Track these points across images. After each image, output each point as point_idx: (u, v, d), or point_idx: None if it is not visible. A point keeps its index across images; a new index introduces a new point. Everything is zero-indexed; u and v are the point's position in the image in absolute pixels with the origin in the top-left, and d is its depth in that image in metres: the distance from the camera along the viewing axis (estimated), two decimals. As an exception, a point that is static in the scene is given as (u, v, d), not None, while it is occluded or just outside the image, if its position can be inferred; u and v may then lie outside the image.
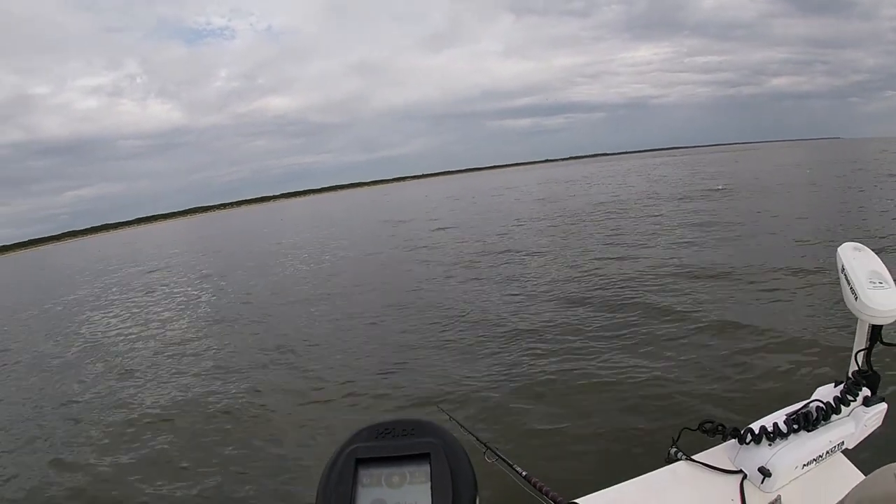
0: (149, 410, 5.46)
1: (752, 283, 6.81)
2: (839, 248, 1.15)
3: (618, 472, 1.19)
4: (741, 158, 52.67)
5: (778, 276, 6.89)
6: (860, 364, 1.15)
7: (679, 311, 5.90)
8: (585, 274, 8.40)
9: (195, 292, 13.23)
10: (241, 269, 16.18)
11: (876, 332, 1.12)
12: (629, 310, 6.19)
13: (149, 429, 4.97)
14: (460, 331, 6.37)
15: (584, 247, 10.80)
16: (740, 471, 1.11)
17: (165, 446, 4.57)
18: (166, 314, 10.94)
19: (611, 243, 10.79)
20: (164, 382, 6.30)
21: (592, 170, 60.58)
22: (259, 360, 6.61)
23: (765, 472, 1.07)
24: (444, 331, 6.47)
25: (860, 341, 1.15)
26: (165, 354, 7.63)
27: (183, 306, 11.56)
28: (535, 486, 0.93)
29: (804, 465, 1.09)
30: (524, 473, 1.01)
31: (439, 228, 18.52)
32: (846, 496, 0.91)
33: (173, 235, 55.15)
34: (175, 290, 14.10)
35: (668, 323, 5.59)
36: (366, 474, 0.39)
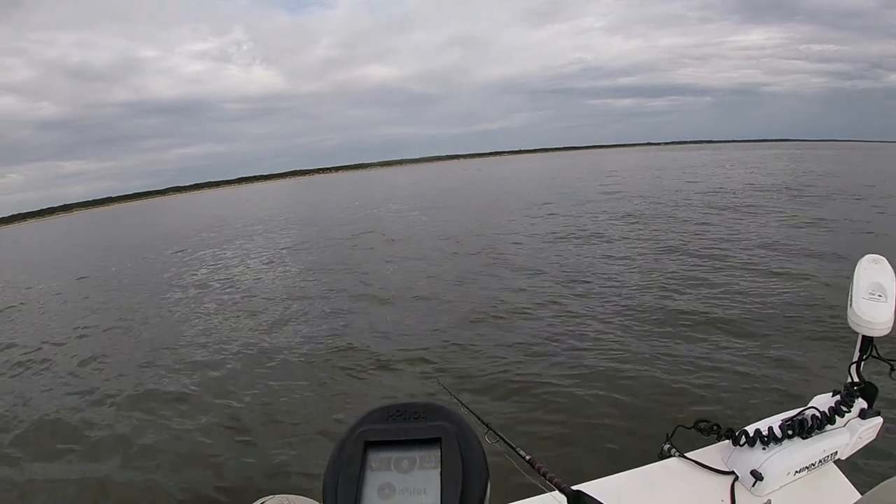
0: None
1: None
2: (860, 259, 1.13)
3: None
4: (867, 158, 43.61)
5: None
6: (854, 376, 1.12)
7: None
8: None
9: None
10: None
11: (867, 343, 1.09)
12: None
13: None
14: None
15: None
16: (732, 472, 1.12)
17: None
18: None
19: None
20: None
21: (705, 157, 52.73)
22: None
23: (757, 476, 1.07)
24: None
25: (856, 353, 1.11)
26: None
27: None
28: (538, 470, 0.93)
29: (796, 471, 1.09)
30: (528, 457, 1.02)
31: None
32: (862, 499, 0.91)
33: (288, 197, 55.78)
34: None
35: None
36: (375, 457, 0.38)
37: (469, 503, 0.35)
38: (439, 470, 0.37)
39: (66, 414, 4.95)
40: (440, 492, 0.36)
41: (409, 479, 0.37)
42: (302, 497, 0.82)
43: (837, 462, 1.15)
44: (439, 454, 0.38)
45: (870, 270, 1.10)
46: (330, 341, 6.02)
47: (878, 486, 0.84)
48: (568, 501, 0.67)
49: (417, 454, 0.38)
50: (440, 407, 0.41)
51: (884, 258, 1.12)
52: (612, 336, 5.27)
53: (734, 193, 17.18)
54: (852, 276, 1.10)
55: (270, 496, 0.79)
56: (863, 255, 1.14)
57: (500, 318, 6.23)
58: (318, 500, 0.78)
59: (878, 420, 1.13)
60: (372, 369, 5.13)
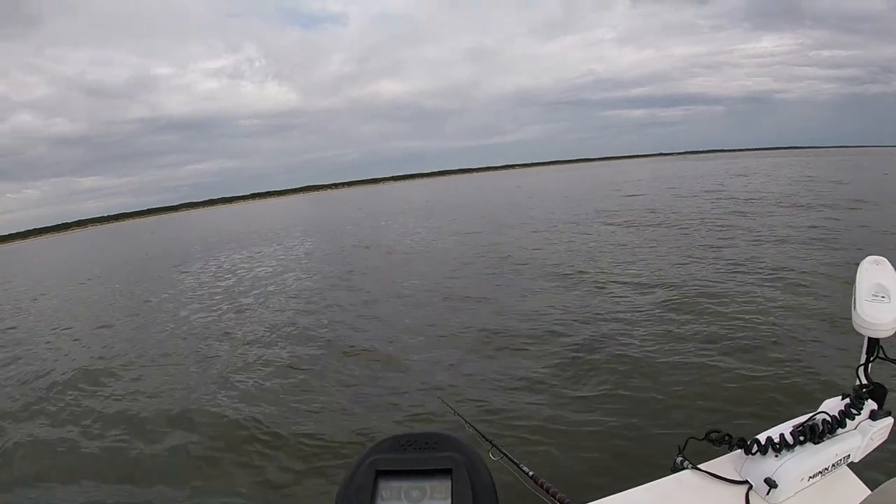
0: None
1: None
2: (861, 261, 1.13)
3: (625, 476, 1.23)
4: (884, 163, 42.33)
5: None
6: (862, 378, 1.12)
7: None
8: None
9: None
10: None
11: (873, 345, 1.10)
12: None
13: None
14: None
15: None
16: (746, 481, 1.11)
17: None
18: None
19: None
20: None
21: (722, 166, 51.56)
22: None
23: (771, 484, 1.07)
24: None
25: (862, 355, 1.12)
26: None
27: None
28: (541, 486, 0.93)
29: (810, 477, 1.08)
30: (531, 473, 1.00)
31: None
32: (864, 501, 0.92)
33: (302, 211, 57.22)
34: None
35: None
36: (385, 487, 0.38)
37: None
38: (450, 501, 0.37)
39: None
40: None
41: None
42: None
43: (851, 465, 1.14)
44: (450, 485, 0.38)
45: (871, 272, 1.10)
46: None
47: (877, 489, 0.85)
48: None
49: (428, 484, 0.38)
50: (451, 437, 0.42)
51: (885, 259, 1.13)
52: (621, 340, 5.26)
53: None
54: (854, 279, 1.11)
55: None
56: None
57: (500, 334, 6.19)
58: None
59: (889, 420, 1.13)
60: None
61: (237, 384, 5.50)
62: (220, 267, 15.44)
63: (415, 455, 0.40)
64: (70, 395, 5.94)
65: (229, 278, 12.96)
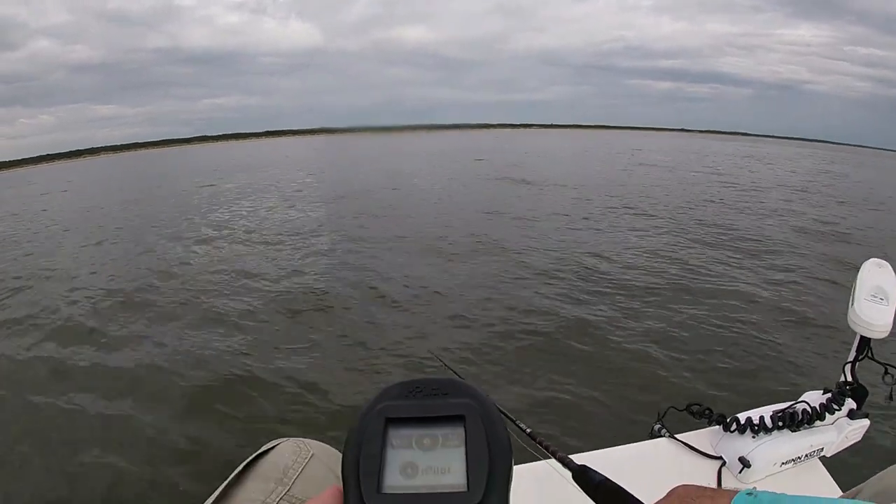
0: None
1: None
2: (864, 262, 1.14)
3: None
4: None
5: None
6: (847, 375, 1.14)
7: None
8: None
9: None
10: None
11: (864, 344, 1.11)
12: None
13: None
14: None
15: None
16: (720, 457, 1.16)
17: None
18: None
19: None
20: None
21: (746, 149, 49.89)
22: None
23: (744, 463, 1.11)
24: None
25: (852, 353, 1.13)
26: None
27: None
28: (540, 443, 0.92)
29: (783, 462, 1.12)
30: (528, 430, 1.00)
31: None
32: (864, 483, 0.96)
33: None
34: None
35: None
36: (396, 435, 0.37)
37: (496, 483, 0.34)
38: (464, 448, 0.35)
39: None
40: (465, 471, 0.34)
41: (433, 458, 0.35)
42: (318, 442, 0.85)
43: (822, 459, 1.18)
44: (463, 432, 0.36)
45: (873, 273, 1.11)
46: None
47: (876, 475, 0.88)
48: (573, 475, 0.67)
49: (440, 431, 0.36)
50: (462, 383, 0.40)
51: (887, 263, 1.14)
52: (610, 315, 5.31)
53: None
54: (855, 278, 1.12)
55: (285, 439, 0.84)
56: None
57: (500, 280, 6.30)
58: (329, 445, 0.83)
59: (866, 422, 1.16)
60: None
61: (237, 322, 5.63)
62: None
63: (426, 402, 0.38)
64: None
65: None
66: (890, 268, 1.12)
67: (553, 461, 0.80)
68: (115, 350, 5.00)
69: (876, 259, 1.15)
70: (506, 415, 1.35)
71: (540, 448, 0.93)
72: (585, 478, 0.65)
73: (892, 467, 0.82)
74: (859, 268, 1.14)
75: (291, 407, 3.80)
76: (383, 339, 4.91)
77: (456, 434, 0.36)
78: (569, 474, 0.69)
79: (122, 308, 6.17)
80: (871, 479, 0.85)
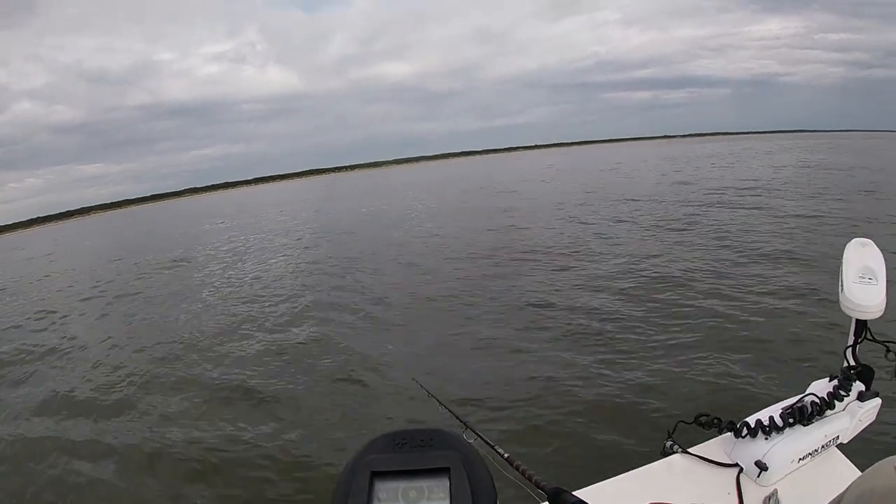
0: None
1: None
2: (848, 243, 1.12)
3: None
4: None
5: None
6: (850, 360, 1.12)
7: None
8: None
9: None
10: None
11: (861, 326, 1.10)
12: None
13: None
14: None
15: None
16: (736, 464, 1.12)
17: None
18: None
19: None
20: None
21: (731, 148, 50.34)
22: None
23: (761, 466, 1.08)
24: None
25: (850, 336, 1.11)
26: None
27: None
28: (517, 468, 0.91)
29: (800, 458, 1.09)
30: (506, 455, 0.99)
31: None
32: (846, 489, 0.92)
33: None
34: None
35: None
36: (382, 488, 0.37)
37: None
38: (448, 501, 0.36)
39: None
40: None
41: None
42: None
43: (840, 446, 1.15)
44: (448, 484, 0.37)
45: (858, 253, 1.09)
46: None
47: (869, 469, 0.85)
48: (548, 499, 0.66)
49: (426, 484, 0.37)
50: (448, 433, 0.41)
51: (871, 241, 1.12)
52: (602, 324, 5.29)
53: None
54: (841, 261, 1.10)
55: None
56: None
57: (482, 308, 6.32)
58: None
59: (877, 401, 1.14)
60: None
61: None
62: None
63: (411, 454, 0.39)
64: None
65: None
66: (874, 245, 1.10)
67: (529, 484, 0.80)
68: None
69: (859, 238, 1.13)
70: (484, 440, 1.28)
71: (517, 473, 0.92)
72: (559, 500, 0.65)
73: (871, 469, 0.79)
74: (843, 250, 1.11)
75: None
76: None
77: (441, 486, 0.37)
78: (545, 497, 0.68)
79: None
80: (855, 480, 0.82)
